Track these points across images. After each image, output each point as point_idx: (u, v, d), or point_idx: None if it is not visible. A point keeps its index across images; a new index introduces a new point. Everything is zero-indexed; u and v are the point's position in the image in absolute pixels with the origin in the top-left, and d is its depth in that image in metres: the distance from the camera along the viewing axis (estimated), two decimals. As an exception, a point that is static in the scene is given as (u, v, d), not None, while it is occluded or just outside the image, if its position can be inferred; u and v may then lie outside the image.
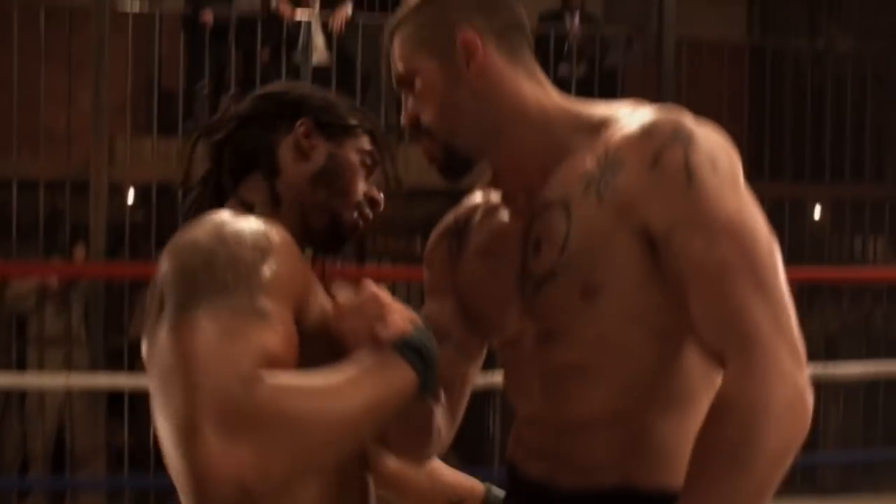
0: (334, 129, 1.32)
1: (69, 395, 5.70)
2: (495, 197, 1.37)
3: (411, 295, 8.88)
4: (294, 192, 1.29)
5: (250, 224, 1.13)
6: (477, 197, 1.42)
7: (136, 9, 6.93)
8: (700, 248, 1.11)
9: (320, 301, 1.20)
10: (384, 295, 1.15)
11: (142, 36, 6.87)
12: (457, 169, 1.30)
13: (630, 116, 1.21)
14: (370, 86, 6.68)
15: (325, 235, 1.32)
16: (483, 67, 1.25)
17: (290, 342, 1.07)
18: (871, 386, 6.56)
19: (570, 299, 1.18)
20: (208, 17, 6.44)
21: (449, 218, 1.45)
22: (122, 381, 4.77)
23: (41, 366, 5.83)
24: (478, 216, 1.39)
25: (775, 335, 1.07)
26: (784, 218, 6.93)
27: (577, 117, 1.25)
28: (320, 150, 1.30)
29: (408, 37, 1.29)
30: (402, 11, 1.32)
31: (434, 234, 1.47)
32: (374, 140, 1.36)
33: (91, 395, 5.77)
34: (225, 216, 1.15)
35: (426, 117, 1.27)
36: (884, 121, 7.49)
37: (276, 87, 1.39)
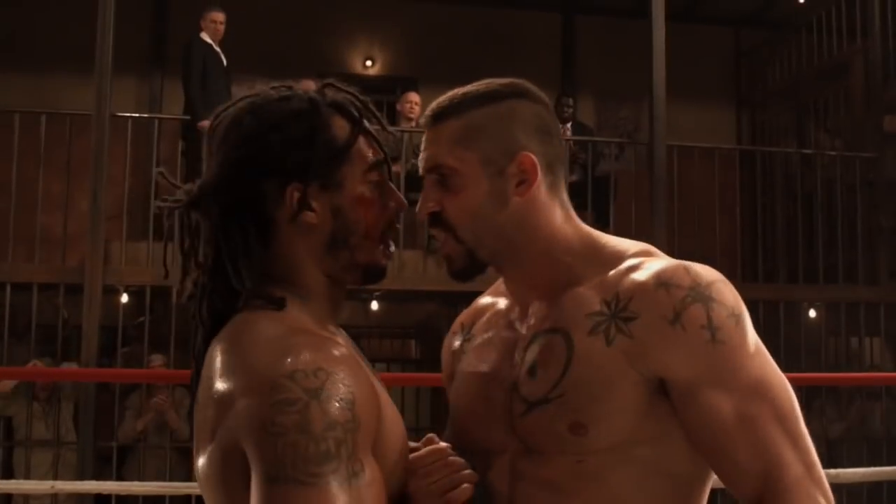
0: (326, 172, 1.17)
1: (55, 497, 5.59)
2: (502, 303, 1.37)
3: (405, 399, 8.81)
4: (313, 268, 1.18)
5: (317, 350, 1.05)
6: (485, 299, 1.43)
7: (136, 114, 7.06)
8: (728, 406, 1.15)
9: (385, 410, 1.12)
10: (447, 453, 1.18)
11: (140, 141, 6.99)
12: (470, 272, 1.29)
13: (642, 261, 1.22)
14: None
15: (362, 283, 1.23)
16: (530, 196, 1.25)
17: (384, 499, 1.05)
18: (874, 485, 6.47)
19: (557, 428, 1.18)
20: (206, 123, 6.53)
21: (459, 319, 1.46)
22: (110, 486, 4.67)
23: (28, 467, 5.73)
24: (481, 321, 1.39)
25: (812, 485, 1.14)
26: (779, 320, 6.93)
27: (592, 249, 1.28)
28: (323, 212, 1.17)
29: (461, 133, 1.25)
30: (457, 97, 1.28)
31: (446, 339, 1.48)
32: (366, 133, 1.22)
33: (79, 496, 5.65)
34: (277, 329, 1.08)
35: (455, 218, 1.25)
36: (874, 223, 7.56)
37: (235, 142, 1.19)
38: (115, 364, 6.38)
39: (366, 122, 1.23)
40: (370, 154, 1.21)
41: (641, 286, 1.18)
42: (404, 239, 6.78)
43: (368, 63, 8.86)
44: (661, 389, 1.18)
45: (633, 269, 1.21)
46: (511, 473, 1.24)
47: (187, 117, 6.72)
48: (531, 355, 1.24)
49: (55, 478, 5.68)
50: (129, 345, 6.64)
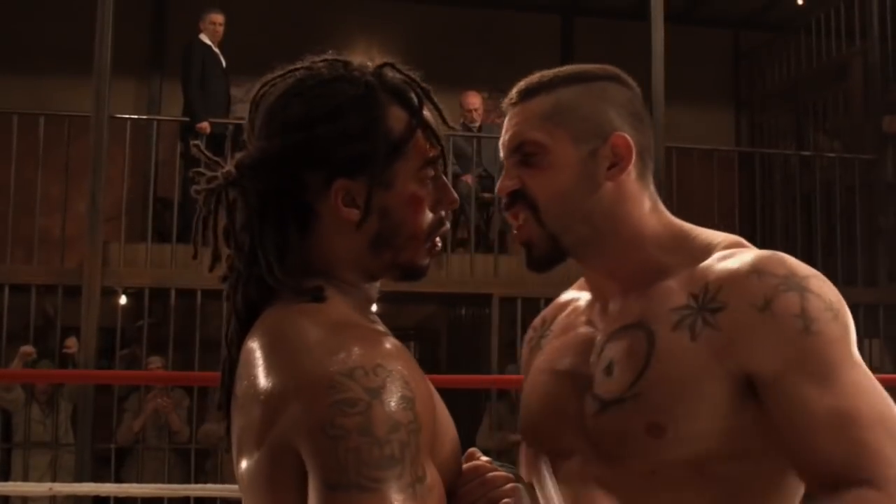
0: (377, 170, 1.07)
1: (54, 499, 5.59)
2: (583, 299, 1.30)
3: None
4: (353, 263, 1.10)
5: (372, 345, 0.97)
6: (567, 295, 1.36)
7: (135, 116, 7.06)
8: (824, 397, 1.03)
9: (440, 410, 1.05)
10: (487, 469, 1.10)
11: (139, 143, 6.99)
12: (551, 260, 1.21)
13: (733, 251, 1.15)
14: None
15: (401, 280, 1.15)
16: (621, 180, 1.19)
17: (444, 502, 1.00)
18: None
19: (633, 430, 1.10)
20: (205, 125, 6.54)
21: (541, 314, 1.39)
22: (108, 488, 4.66)
23: (26, 469, 5.72)
24: (562, 317, 1.32)
25: None
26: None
27: (681, 241, 1.20)
28: (371, 209, 1.07)
29: (551, 109, 1.19)
30: (547, 76, 1.23)
31: (528, 331, 1.40)
32: (426, 126, 1.11)
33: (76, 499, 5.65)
34: (323, 323, 1.00)
35: (540, 196, 1.18)
36: (873, 225, 7.56)
37: (281, 128, 1.08)
38: (114, 366, 6.37)
39: (425, 112, 1.11)
40: (427, 149, 1.10)
41: (732, 274, 1.10)
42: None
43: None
44: (749, 391, 1.08)
45: (724, 258, 1.13)
46: (579, 478, 1.17)
47: (186, 119, 6.72)
48: (609, 353, 1.16)
49: (53, 479, 5.68)
50: (127, 347, 6.63)
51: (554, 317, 1.34)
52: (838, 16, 7.81)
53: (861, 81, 7.87)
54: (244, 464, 1.02)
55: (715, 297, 1.10)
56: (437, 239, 1.13)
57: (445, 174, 1.13)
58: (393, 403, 0.93)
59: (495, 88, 8.97)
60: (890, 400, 1.06)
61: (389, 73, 1.11)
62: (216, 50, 6.89)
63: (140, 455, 6.15)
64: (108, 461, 6.09)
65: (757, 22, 9.23)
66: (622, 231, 1.20)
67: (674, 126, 7.39)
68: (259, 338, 1.03)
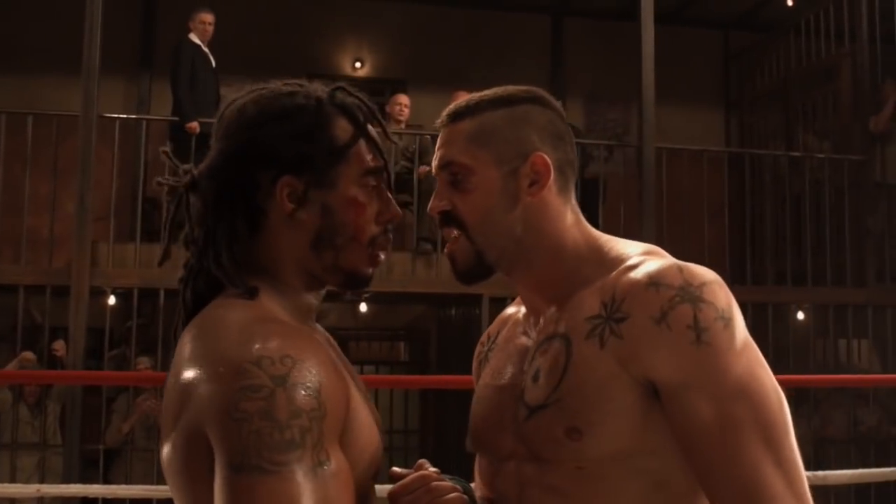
0: (321, 170, 1.17)
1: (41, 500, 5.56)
2: (522, 313, 1.38)
3: (394, 401, 8.79)
4: (296, 263, 1.18)
5: (285, 338, 1.03)
6: (511, 309, 1.44)
7: (123, 115, 7.04)
8: (709, 410, 1.12)
9: (354, 403, 1.10)
10: (432, 478, 1.19)
11: (128, 143, 6.96)
12: (477, 275, 1.30)
13: (640, 260, 1.22)
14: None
15: (343, 288, 1.23)
16: (541, 197, 1.26)
17: (351, 490, 1.03)
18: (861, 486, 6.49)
19: (555, 433, 1.18)
20: (195, 125, 6.52)
21: (487, 330, 1.48)
22: (96, 490, 4.64)
23: (13, 469, 5.69)
24: (504, 331, 1.41)
25: (788, 497, 1.09)
26: (768, 322, 6.95)
27: (598, 252, 1.28)
28: (312, 207, 1.16)
29: (476, 132, 1.27)
30: (474, 100, 1.31)
31: (477, 346, 1.49)
32: (368, 137, 1.21)
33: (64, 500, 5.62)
34: (247, 316, 1.07)
35: (468, 217, 1.26)
36: (862, 226, 7.59)
37: (236, 130, 1.20)
38: (103, 367, 6.35)
39: (370, 128, 1.22)
40: (369, 159, 1.20)
41: (634, 285, 1.17)
42: (393, 241, 6.74)
43: (357, 65, 8.85)
44: (654, 394, 1.16)
45: (630, 268, 1.21)
46: (518, 479, 1.25)
47: (175, 119, 6.69)
48: (536, 362, 1.24)
49: (41, 481, 5.65)
50: (116, 347, 6.61)
51: (498, 331, 1.43)
52: (827, 17, 7.84)
53: (850, 82, 7.90)
54: (165, 448, 1.07)
55: (619, 307, 1.18)
56: (379, 251, 1.21)
57: (390, 190, 1.22)
58: (296, 391, 0.98)
59: (485, 89, 8.97)
60: (777, 400, 1.14)
61: (340, 94, 1.22)
62: (206, 49, 6.87)
63: (129, 456, 6.12)
64: (97, 462, 6.07)
65: (746, 23, 9.26)
66: (545, 244, 1.27)
67: (664, 126, 7.41)
68: (190, 328, 1.10)
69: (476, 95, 1.32)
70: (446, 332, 8.27)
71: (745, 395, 1.12)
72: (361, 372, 9.20)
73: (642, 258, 1.22)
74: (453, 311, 7.96)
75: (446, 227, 1.29)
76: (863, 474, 4.68)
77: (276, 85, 1.22)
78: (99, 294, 6.39)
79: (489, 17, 8.87)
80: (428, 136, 7.20)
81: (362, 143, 1.19)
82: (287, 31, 8.43)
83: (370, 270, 1.21)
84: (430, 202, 1.30)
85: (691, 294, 1.14)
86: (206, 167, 1.19)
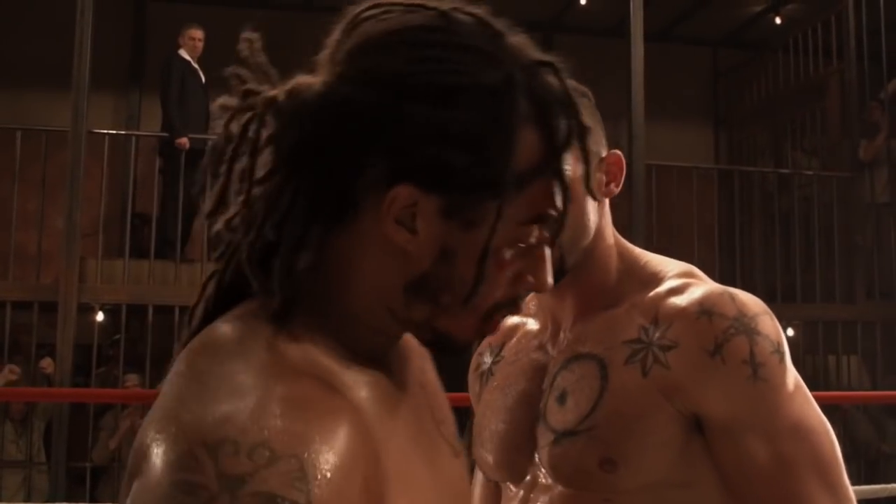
0: (466, 196, 0.73)
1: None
2: (531, 324, 1.28)
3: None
4: (377, 297, 0.76)
5: (289, 410, 0.65)
6: (513, 319, 1.31)
7: (113, 131, 7.02)
8: (765, 450, 1.07)
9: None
10: None
11: (117, 158, 6.94)
12: (555, 280, 1.18)
13: (683, 284, 1.14)
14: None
15: (429, 346, 0.83)
16: (607, 196, 1.20)
17: None
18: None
19: (586, 463, 1.10)
20: (184, 140, 6.51)
21: (485, 341, 1.34)
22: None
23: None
24: (512, 342, 1.30)
25: None
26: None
27: (632, 265, 1.20)
28: (427, 242, 0.73)
29: None
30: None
31: (473, 359, 1.37)
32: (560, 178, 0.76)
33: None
34: (250, 352, 0.70)
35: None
36: (851, 243, 7.61)
37: (368, 81, 0.74)
38: (90, 383, 6.30)
39: (564, 156, 0.76)
40: (545, 203, 0.76)
41: (682, 312, 1.10)
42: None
43: (348, 81, 8.85)
44: (696, 427, 1.09)
45: (674, 292, 1.13)
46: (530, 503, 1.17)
47: (165, 134, 6.67)
48: (562, 381, 1.15)
49: (26, 499, 5.60)
50: (104, 364, 6.56)
51: (502, 342, 1.31)
52: (815, 35, 7.88)
53: (838, 100, 7.94)
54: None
55: (665, 334, 1.10)
56: (499, 319, 0.79)
57: (551, 246, 0.79)
58: None
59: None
60: (830, 437, 1.10)
61: (545, 76, 0.76)
62: (195, 65, 6.86)
63: (116, 474, 6.07)
64: (83, 480, 6.01)
65: (735, 41, 9.30)
66: (602, 249, 1.19)
67: (654, 143, 7.42)
68: (190, 348, 0.74)
69: None
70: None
71: (801, 435, 1.08)
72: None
73: (685, 280, 1.15)
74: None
75: None
76: (854, 491, 4.69)
77: (458, 16, 0.76)
78: (87, 310, 6.35)
79: (479, 34, 8.89)
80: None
81: (547, 179, 0.75)
82: (277, 47, 8.41)
83: (472, 339, 0.80)
84: None
85: (746, 325, 1.08)
86: (306, 97, 0.75)
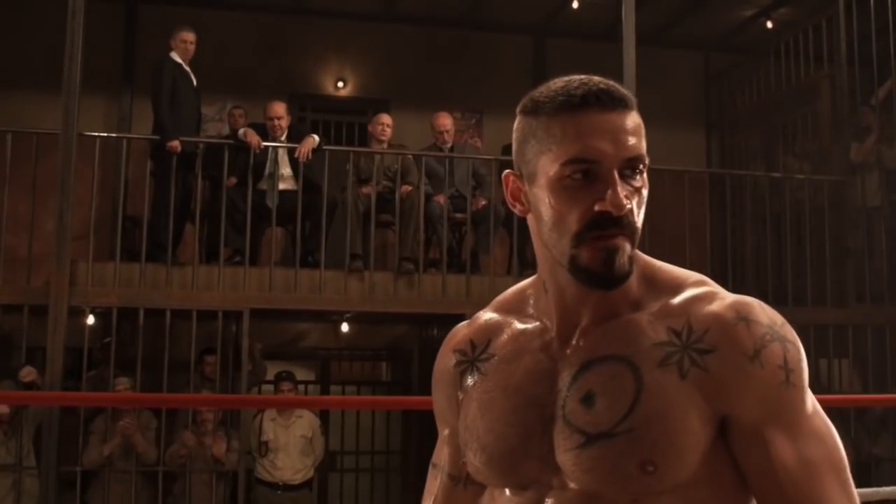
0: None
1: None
2: (521, 323, 1.26)
3: (376, 422, 8.74)
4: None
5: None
6: (489, 316, 1.31)
7: (104, 133, 6.99)
8: (792, 451, 1.12)
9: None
10: None
11: (108, 161, 6.91)
12: (621, 279, 1.16)
13: (708, 292, 1.17)
14: (335, 213, 6.73)
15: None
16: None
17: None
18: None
19: (625, 466, 1.10)
20: (176, 143, 6.49)
21: (461, 336, 1.32)
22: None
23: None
24: (502, 340, 1.26)
25: None
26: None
27: (648, 272, 1.22)
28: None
29: (640, 124, 1.21)
30: (623, 89, 1.24)
31: (444, 354, 1.34)
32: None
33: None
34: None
35: (636, 217, 1.17)
36: (842, 246, 7.63)
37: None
38: (81, 387, 6.28)
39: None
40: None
41: (719, 318, 1.13)
42: (375, 261, 6.75)
43: (340, 84, 8.85)
44: (721, 427, 1.13)
45: (703, 298, 1.16)
46: None
47: (156, 137, 6.65)
48: (586, 383, 1.14)
49: (16, 503, 5.57)
50: (95, 367, 6.54)
51: (487, 339, 1.28)
52: (806, 40, 7.91)
53: (829, 104, 7.96)
54: None
55: (702, 338, 1.13)
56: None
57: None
58: None
59: (468, 109, 8.99)
60: (839, 442, 1.15)
61: None
62: (187, 68, 6.85)
63: (107, 478, 6.05)
64: (73, 484, 5.99)
65: (727, 44, 9.32)
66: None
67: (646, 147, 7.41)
68: None
69: (612, 83, 1.23)
70: (429, 352, 8.23)
71: (822, 437, 1.14)
72: (343, 392, 9.14)
73: (708, 288, 1.18)
74: (436, 332, 7.93)
75: (616, 227, 1.14)
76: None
77: None
78: (77, 313, 6.33)
79: (472, 38, 8.89)
80: (410, 156, 7.19)
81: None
82: (269, 49, 8.41)
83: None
84: (620, 196, 1.13)
85: (778, 333, 1.14)
86: None
